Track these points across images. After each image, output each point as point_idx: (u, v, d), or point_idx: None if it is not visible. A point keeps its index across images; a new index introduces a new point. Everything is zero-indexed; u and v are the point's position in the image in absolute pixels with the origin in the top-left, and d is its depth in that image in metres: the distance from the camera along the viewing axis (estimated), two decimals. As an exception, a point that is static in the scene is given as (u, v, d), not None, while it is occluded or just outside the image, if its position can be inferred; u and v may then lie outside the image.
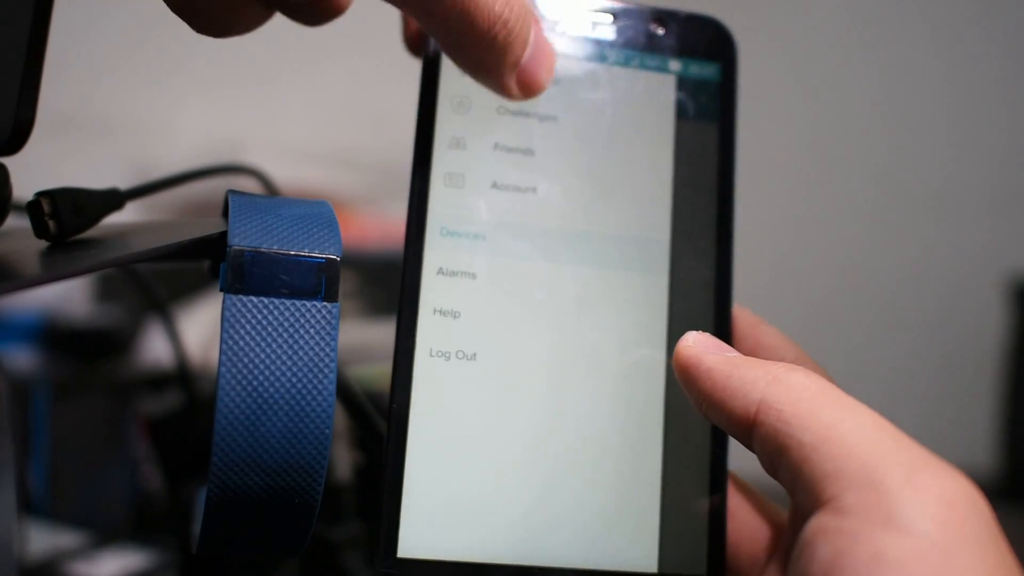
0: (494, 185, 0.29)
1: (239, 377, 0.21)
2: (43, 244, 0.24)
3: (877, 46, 1.30)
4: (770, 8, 1.22)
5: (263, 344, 0.21)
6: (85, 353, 0.57)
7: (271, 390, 0.21)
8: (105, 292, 0.67)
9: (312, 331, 0.21)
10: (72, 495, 0.53)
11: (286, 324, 0.21)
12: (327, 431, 0.21)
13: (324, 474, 0.22)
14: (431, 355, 0.27)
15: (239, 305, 0.21)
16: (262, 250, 0.22)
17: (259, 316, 0.21)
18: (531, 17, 0.26)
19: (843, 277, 1.30)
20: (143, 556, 0.49)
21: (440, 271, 0.28)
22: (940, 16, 1.28)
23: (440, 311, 0.28)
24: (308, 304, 0.22)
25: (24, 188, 0.26)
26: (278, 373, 0.21)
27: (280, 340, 0.21)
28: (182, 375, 0.43)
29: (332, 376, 0.21)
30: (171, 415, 0.45)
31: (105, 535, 0.51)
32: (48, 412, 0.53)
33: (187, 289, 0.64)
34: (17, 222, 0.26)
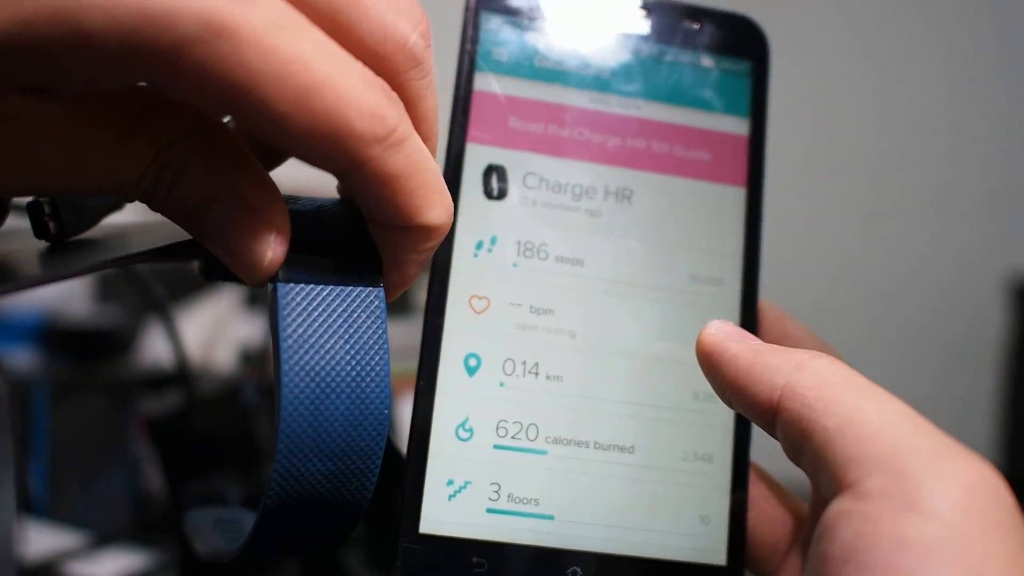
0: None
1: (301, 363, 0.21)
2: (43, 244, 0.24)
3: (877, 46, 1.30)
4: (774, 10, 1.23)
5: (320, 330, 0.22)
6: (85, 353, 0.57)
7: (332, 374, 0.21)
8: (105, 292, 0.67)
9: (364, 314, 0.22)
10: (72, 495, 0.53)
11: (340, 309, 0.22)
12: (386, 411, 0.22)
13: (382, 456, 0.22)
14: (460, 335, 0.27)
15: (293, 293, 0.22)
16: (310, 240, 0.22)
17: (314, 303, 0.22)
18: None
19: (843, 276, 1.30)
20: (143, 556, 0.49)
21: (475, 255, 0.28)
22: (940, 16, 1.29)
23: (475, 295, 0.28)
24: (357, 289, 0.22)
25: (24, 188, 0.26)
26: (338, 357, 0.21)
27: (336, 325, 0.22)
28: (182, 375, 0.43)
29: (386, 357, 0.22)
30: (171, 415, 0.45)
31: (105, 535, 0.51)
32: (48, 412, 0.53)
33: (187, 289, 0.64)
34: (17, 222, 0.26)
